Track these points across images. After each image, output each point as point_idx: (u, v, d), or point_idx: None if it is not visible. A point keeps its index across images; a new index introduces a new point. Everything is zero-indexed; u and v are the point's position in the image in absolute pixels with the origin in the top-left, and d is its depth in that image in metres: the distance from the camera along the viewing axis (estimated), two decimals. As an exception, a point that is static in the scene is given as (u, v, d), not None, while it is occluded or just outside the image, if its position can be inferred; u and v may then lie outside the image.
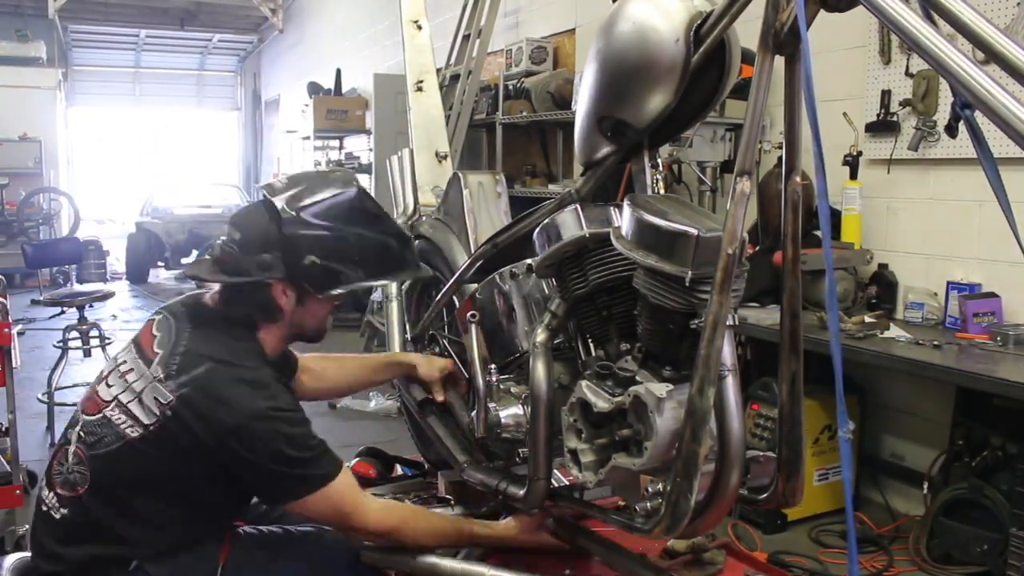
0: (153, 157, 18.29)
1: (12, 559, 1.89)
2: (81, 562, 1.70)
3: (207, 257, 1.82)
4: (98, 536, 1.69)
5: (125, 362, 1.78)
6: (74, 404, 2.04)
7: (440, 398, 2.22)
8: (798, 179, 1.48)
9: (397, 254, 1.86)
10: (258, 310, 1.78)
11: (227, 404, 1.64)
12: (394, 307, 2.54)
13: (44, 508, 1.75)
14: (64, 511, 1.71)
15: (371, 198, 1.86)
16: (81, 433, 1.74)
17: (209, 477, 1.70)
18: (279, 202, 1.75)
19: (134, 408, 1.68)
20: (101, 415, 1.72)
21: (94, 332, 5.32)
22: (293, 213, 1.73)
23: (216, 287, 1.83)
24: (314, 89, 9.70)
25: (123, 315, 8.85)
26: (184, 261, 11.04)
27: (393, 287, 2.62)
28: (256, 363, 1.74)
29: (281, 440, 1.65)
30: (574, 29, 5.89)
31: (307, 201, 1.75)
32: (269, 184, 1.85)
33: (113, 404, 1.72)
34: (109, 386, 1.76)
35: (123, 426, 1.68)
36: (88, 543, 1.70)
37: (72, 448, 1.73)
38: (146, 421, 1.66)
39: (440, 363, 2.26)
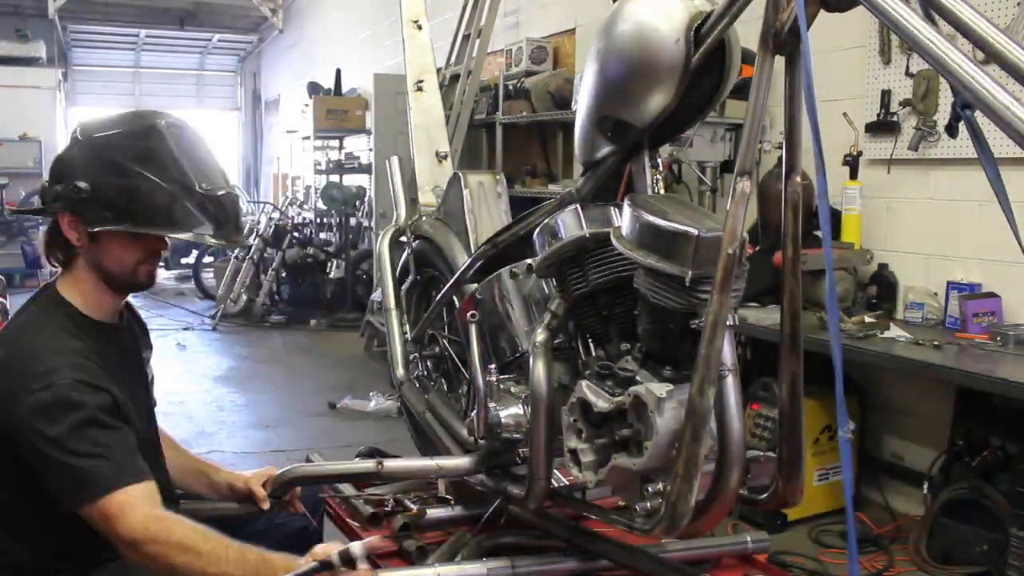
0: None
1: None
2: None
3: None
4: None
5: None
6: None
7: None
8: (798, 179, 1.48)
9: (177, 207, 1.60)
10: (58, 248, 1.64)
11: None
12: (393, 316, 2.54)
13: None
14: None
15: (168, 145, 1.61)
16: None
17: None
18: (78, 130, 1.62)
19: None
20: None
21: (94, 332, 5.29)
22: (80, 138, 1.60)
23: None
24: (314, 89, 9.69)
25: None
26: (184, 261, 11.00)
27: (391, 296, 2.61)
28: (50, 336, 1.58)
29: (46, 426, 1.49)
30: (574, 29, 5.89)
31: (98, 130, 1.61)
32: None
33: None
34: None
35: None
36: None
37: None
38: None
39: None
